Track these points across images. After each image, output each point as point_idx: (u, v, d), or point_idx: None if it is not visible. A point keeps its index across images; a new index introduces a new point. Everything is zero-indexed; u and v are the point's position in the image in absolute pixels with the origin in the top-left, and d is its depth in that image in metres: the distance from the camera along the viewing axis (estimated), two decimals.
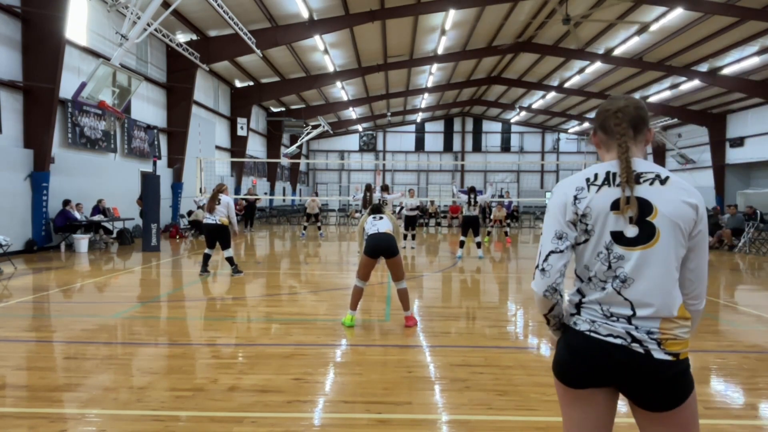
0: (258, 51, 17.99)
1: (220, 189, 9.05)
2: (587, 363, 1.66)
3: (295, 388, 3.81)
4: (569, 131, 41.02)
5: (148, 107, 17.49)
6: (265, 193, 29.72)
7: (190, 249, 13.79)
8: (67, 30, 11.87)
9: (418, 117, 40.58)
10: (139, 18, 11.98)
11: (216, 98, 23.59)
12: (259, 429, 3.17)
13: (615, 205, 1.63)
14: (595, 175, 1.69)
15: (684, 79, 23.52)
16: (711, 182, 28.70)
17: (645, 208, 1.61)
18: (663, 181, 1.63)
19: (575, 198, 1.68)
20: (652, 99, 28.15)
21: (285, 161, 32.55)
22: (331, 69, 24.12)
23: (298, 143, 32.66)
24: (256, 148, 29.21)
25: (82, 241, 12.27)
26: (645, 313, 1.61)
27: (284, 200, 32.16)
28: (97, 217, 13.30)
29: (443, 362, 4.47)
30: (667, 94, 26.50)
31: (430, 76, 28.12)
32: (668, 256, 1.60)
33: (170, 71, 18.42)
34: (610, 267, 1.64)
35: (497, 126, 42.30)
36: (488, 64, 27.67)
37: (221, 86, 24.15)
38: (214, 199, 8.87)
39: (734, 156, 27.73)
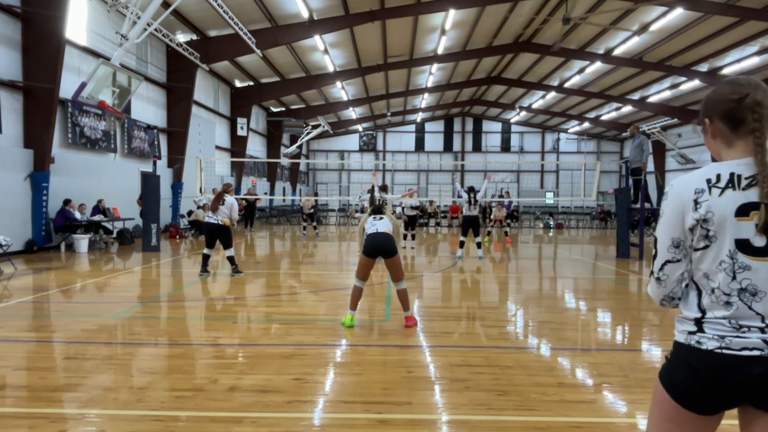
0: (258, 51, 17.99)
1: (226, 189, 9.02)
2: (720, 385, 1.48)
3: (295, 388, 3.81)
4: (569, 131, 41.03)
5: (148, 107, 17.48)
6: (265, 193, 29.72)
7: (190, 249, 13.79)
8: (67, 30, 11.87)
9: (418, 117, 40.59)
10: (139, 18, 11.97)
11: (216, 98, 23.59)
12: (259, 429, 3.17)
13: (740, 211, 1.45)
14: (718, 176, 1.50)
15: (684, 79, 23.52)
16: None
17: None
18: None
19: (695, 202, 1.50)
20: (652, 99, 28.15)
21: (285, 161, 32.55)
22: (331, 69, 24.12)
23: (298, 143, 32.66)
24: (256, 148, 29.21)
25: (82, 241, 12.27)
26: None
27: (284, 200, 32.16)
28: (97, 217, 13.30)
29: (443, 362, 4.47)
30: (667, 94, 26.49)
31: (430, 76, 28.12)
32: None
33: (170, 71, 18.42)
34: (734, 278, 1.47)
35: (497, 126, 42.30)
36: (488, 64, 27.67)
37: (221, 86, 24.15)
38: (218, 199, 8.83)
39: None
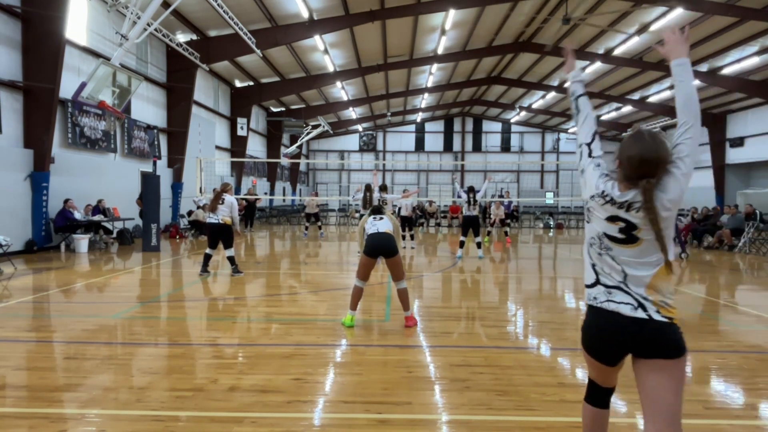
0: (258, 51, 17.99)
1: (224, 189, 9.04)
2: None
3: (295, 388, 3.81)
4: (569, 131, 41.02)
5: (148, 107, 17.49)
6: (265, 193, 29.72)
7: (190, 249, 13.79)
8: (67, 30, 11.87)
9: (418, 117, 40.59)
10: (139, 18, 11.98)
11: (216, 98, 23.59)
12: (259, 429, 3.17)
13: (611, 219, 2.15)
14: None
15: None
16: (711, 182, 28.71)
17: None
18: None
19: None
20: (652, 99, 28.16)
21: (285, 161, 32.55)
22: (331, 69, 24.12)
23: (298, 143, 32.66)
24: (256, 148, 29.21)
25: (82, 241, 12.27)
26: None
27: (284, 200, 32.16)
28: (97, 217, 13.30)
29: (443, 362, 4.47)
30: (667, 94, 26.50)
31: (430, 76, 28.12)
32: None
33: (170, 71, 18.42)
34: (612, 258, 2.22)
35: (497, 126, 42.30)
36: (488, 64, 27.66)
37: (221, 86, 24.15)
38: (217, 199, 8.85)
39: (734, 156, 27.74)
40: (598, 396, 2.36)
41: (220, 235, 8.86)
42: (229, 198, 8.95)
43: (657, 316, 2.03)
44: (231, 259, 8.98)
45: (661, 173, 2.04)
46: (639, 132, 2.16)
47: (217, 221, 8.80)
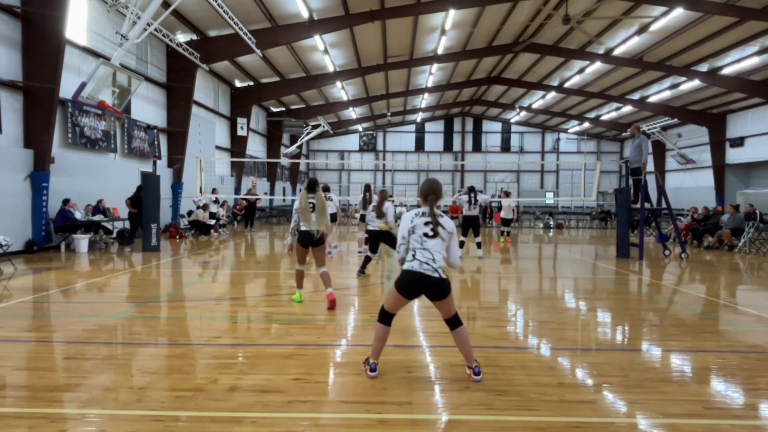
0: (258, 51, 17.99)
1: (384, 196, 9.19)
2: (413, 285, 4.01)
3: (295, 388, 3.81)
4: (569, 131, 41.03)
5: (148, 107, 17.49)
6: (265, 193, 29.73)
7: (189, 249, 13.79)
8: (67, 30, 11.87)
9: (418, 117, 40.59)
10: (139, 18, 11.98)
11: (216, 98, 23.59)
12: (259, 429, 3.17)
13: (424, 223, 3.99)
14: (419, 213, 4.04)
15: (684, 79, 23.52)
16: (711, 182, 28.71)
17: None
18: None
19: (411, 220, 4.02)
20: (652, 99, 28.16)
21: (285, 161, 32.56)
22: (331, 69, 24.12)
23: (298, 143, 32.67)
24: (256, 148, 29.21)
25: (82, 241, 12.27)
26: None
27: (284, 200, 32.16)
28: (97, 217, 13.30)
29: (443, 362, 4.47)
30: (667, 94, 26.50)
31: (430, 76, 28.12)
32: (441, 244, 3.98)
33: (170, 71, 18.42)
34: (421, 246, 3.96)
35: (497, 126, 42.31)
36: (488, 64, 27.67)
37: (221, 86, 24.15)
38: (381, 205, 8.97)
39: (734, 156, 27.73)
40: (389, 318, 4.10)
41: (382, 239, 9.05)
42: (387, 204, 9.16)
43: (443, 277, 3.91)
44: (367, 259, 9.18)
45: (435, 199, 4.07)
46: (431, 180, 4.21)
47: (376, 228, 8.97)
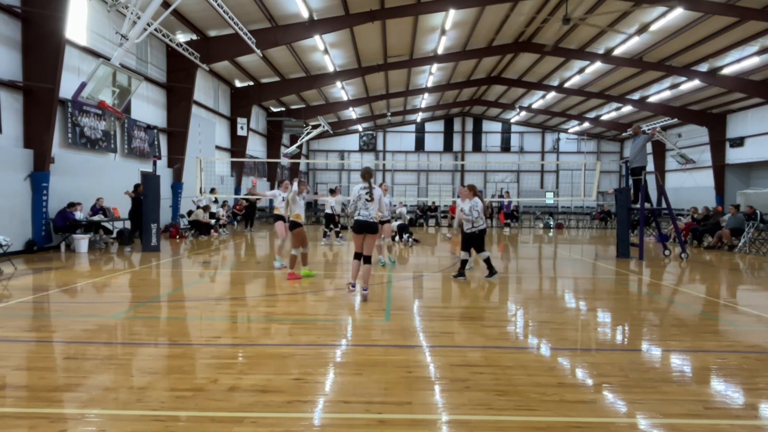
0: (258, 51, 17.99)
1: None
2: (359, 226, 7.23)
3: (295, 388, 3.81)
4: (569, 131, 41.02)
5: (148, 107, 17.49)
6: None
7: (189, 249, 13.79)
8: (67, 30, 11.87)
9: (418, 117, 40.58)
10: (139, 18, 11.97)
11: (216, 98, 23.59)
12: (259, 429, 3.17)
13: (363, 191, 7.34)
14: (364, 187, 7.26)
15: (684, 79, 23.52)
16: (711, 182, 28.70)
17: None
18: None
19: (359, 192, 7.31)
20: (652, 99, 28.15)
21: (285, 161, 32.54)
22: (331, 69, 24.12)
23: (298, 143, 32.65)
24: (256, 148, 29.21)
25: (82, 241, 12.26)
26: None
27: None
28: (97, 217, 13.29)
29: (443, 362, 4.47)
30: (667, 94, 26.49)
31: (430, 76, 28.11)
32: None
33: (170, 71, 18.42)
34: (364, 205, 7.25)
35: (497, 126, 42.29)
36: (488, 64, 27.66)
37: (221, 86, 24.15)
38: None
39: (734, 156, 27.73)
40: (358, 256, 7.14)
41: (475, 241, 9.14)
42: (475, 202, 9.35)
43: (376, 220, 7.11)
44: (487, 261, 9.21)
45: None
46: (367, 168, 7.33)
47: (471, 231, 9.07)
